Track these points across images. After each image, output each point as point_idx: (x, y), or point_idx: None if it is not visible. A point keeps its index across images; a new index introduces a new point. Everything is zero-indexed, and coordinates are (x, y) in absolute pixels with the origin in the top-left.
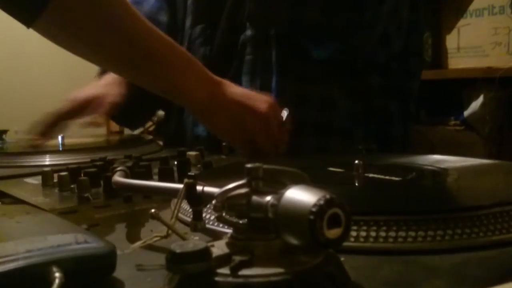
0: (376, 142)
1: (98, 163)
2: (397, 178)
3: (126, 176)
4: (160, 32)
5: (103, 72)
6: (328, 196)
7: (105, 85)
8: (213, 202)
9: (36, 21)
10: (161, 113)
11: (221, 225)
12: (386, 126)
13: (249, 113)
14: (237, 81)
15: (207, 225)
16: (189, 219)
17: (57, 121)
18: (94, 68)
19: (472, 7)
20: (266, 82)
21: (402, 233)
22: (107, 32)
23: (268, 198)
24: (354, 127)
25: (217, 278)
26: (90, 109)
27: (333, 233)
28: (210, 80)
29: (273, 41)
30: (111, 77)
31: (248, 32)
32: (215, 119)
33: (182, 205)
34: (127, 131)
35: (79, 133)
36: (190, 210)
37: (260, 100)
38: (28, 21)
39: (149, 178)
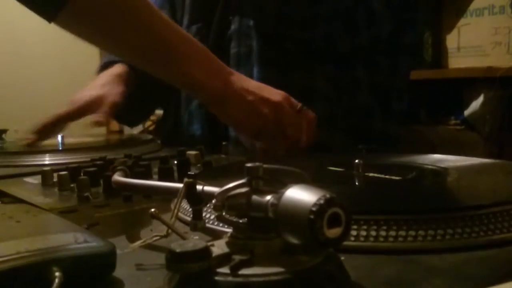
0: (357, 136)
1: (98, 162)
2: (397, 178)
3: (126, 176)
4: (175, 24)
5: (101, 70)
6: (328, 196)
7: (104, 85)
8: (213, 201)
9: (57, 17)
10: (160, 112)
11: (221, 224)
12: (367, 121)
13: (262, 102)
14: None
15: (207, 225)
16: (189, 219)
17: (58, 123)
18: (94, 69)
19: (472, 6)
20: (249, 73)
21: (402, 233)
22: (125, 24)
23: (268, 197)
24: (337, 119)
25: (217, 278)
26: (91, 111)
27: (333, 232)
28: (225, 70)
29: (253, 32)
30: (109, 76)
31: (233, 27)
32: (228, 109)
33: (182, 204)
34: (127, 131)
35: (79, 132)
36: (190, 209)
37: (273, 91)
38: (50, 16)
39: (149, 177)
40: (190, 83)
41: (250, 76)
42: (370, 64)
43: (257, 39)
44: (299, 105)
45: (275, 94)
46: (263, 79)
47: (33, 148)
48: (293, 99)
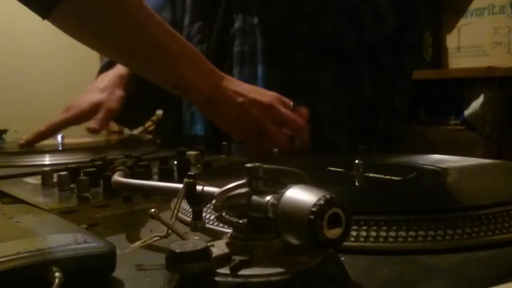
0: (360, 135)
1: (97, 162)
2: (397, 178)
3: (126, 176)
4: (169, 27)
5: (103, 70)
6: (328, 196)
7: (104, 88)
8: (213, 201)
9: (51, 13)
10: (160, 112)
11: (221, 224)
12: (371, 120)
13: (253, 104)
14: (231, 75)
15: (207, 225)
16: (189, 219)
17: (55, 130)
18: (94, 69)
19: (472, 6)
20: (254, 72)
21: (402, 233)
22: (118, 24)
23: (268, 197)
24: (341, 116)
25: (217, 278)
26: (88, 117)
27: (333, 233)
28: (215, 73)
29: (258, 30)
30: (110, 78)
31: (236, 25)
32: (220, 112)
33: (182, 204)
34: (126, 131)
35: (79, 133)
36: (190, 209)
37: (265, 93)
38: (44, 13)
39: (149, 177)
40: (181, 84)
41: (254, 74)
42: (375, 62)
43: (262, 37)
44: (291, 103)
45: (266, 96)
46: (268, 77)
47: (30, 148)
48: (284, 98)
